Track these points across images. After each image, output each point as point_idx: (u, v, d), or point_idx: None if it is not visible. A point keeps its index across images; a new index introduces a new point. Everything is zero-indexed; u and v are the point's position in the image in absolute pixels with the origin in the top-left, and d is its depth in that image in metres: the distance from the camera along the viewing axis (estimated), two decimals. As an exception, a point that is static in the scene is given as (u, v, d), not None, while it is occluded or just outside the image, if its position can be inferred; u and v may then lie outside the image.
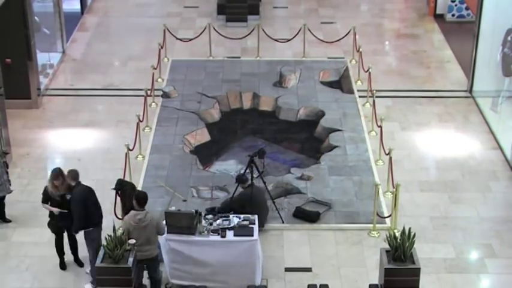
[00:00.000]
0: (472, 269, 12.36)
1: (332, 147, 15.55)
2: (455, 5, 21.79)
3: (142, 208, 11.16)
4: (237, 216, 11.86)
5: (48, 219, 12.13)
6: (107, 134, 16.11)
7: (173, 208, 11.87)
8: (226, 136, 16.03)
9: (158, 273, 11.59)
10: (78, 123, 16.55)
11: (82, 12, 22.16)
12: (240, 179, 13.10)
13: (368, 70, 17.28)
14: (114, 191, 12.81)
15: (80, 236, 11.97)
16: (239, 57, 19.58)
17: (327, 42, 19.83)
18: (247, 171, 13.10)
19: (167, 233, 11.56)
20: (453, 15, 21.89)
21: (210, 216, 11.99)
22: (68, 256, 12.40)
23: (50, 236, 12.96)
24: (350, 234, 13.10)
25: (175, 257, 11.63)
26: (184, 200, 13.84)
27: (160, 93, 17.52)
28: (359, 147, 15.57)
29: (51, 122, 16.55)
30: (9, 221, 13.38)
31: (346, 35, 19.61)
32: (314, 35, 19.75)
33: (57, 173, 11.80)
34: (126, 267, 10.97)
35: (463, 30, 21.01)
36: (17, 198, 13.96)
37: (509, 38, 15.70)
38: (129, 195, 12.77)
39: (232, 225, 11.67)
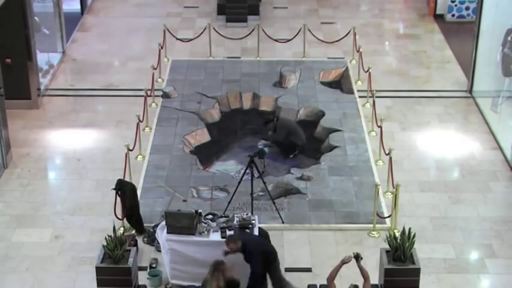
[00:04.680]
0: (472, 269, 12.36)
1: (332, 148, 15.55)
2: (455, 5, 21.79)
3: None
4: (237, 216, 11.88)
5: None
6: (107, 134, 16.11)
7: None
8: (226, 136, 16.03)
9: None
10: (78, 123, 16.55)
11: (82, 12, 22.15)
12: (266, 121, 15.51)
13: (368, 70, 17.29)
14: (114, 191, 12.84)
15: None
16: (239, 58, 19.59)
17: (327, 42, 19.83)
18: (247, 171, 13.12)
19: (167, 233, 11.57)
20: (453, 15, 21.89)
21: (210, 216, 12.02)
22: (67, 259, 12.45)
23: (50, 236, 12.99)
24: (350, 234, 13.10)
25: (175, 257, 11.63)
26: (184, 200, 13.84)
27: (160, 93, 17.52)
28: (359, 147, 15.57)
29: (51, 122, 16.55)
30: None
31: (346, 35, 19.61)
32: (314, 35, 19.75)
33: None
34: (126, 267, 11.00)
35: (463, 30, 21.01)
36: (17, 198, 13.97)
37: (509, 38, 15.70)
38: (129, 195, 12.83)
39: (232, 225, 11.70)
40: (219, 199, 13.90)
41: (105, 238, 11.13)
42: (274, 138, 15.38)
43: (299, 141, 15.22)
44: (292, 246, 12.79)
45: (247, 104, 17.28)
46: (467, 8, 21.75)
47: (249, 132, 16.21)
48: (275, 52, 19.83)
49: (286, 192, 14.13)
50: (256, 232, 11.70)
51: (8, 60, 16.41)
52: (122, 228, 12.77)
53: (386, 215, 13.39)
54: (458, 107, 17.30)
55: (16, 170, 14.82)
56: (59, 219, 13.45)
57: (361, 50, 18.36)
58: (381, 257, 11.21)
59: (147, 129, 16.13)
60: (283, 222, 13.29)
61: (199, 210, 11.83)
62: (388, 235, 11.30)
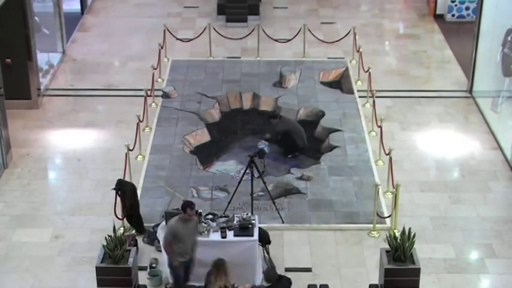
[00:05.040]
0: (472, 269, 12.36)
1: (332, 148, 15.55)
2: (455, 5, 21.79)
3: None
4: (237, 216, 11.88)
5: None
6: (107, 134, 16.11)
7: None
8: (226, 136, 16.03)
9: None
10: (78, 123, 16.55)
11: (82, 12, 22.16)
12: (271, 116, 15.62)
13: (368, 70, 17.29)
14: (114, 191, 12.83)
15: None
16: (239, 58, 19.59)
17: (327, 42, 19.83)
18: (247, 171, 13.12)
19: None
20: (453, 15, 21.89)
21: (210, 216, 12.02)
22: (64, 259, 12.45)
23: (50, 236, 12.99)
24: (350, 234, 13.10)
25: (175, 257, 11.62)
26: (185, 200, 13.84)
27: (160, 93, 17.52)
28: (359, 147, 15.57)
29: (51, 122, 16.55)
30: None
31: (346, 35, 19.61)
32: (314, 35, 19.75)
33: None
34: (126, 267, 10.99)
35: (463, 30, 21.02)
36: (17, 198, 13.97)
37: (509, 38, 15.70)
38: (129, 195, 12.83)
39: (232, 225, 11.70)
40: (219, 199, 13.90)
41: (105, 238, 11.13)
42: (274, 135, 15.39)
43: (300, 142, 15.21)
44: (292, 246, 12.79)
45: (247, 104, 17.28)
46: (467, 8, 21.75)
47: (249, 132, 16.21)
48: (275, 52, 19.83)
49: (286, 192, 14.12)
50: (256, 232, 11.69)
51: (8, 60, 16.42)
52: (122, 228, 12.77)
53: (386, 215, 13.39)
54: (458, 107, 17.30)
55: (16, 170, 14.82)
56: (59, 219, 13.45)
57: (361, 50, 18.36)
58: (381, 257, 11.21)
59: (147, 129, 16.13)
60: (283, 222, 13.28)
61: (199, 210, 11.82)
62: (388, 235, 11.30)
